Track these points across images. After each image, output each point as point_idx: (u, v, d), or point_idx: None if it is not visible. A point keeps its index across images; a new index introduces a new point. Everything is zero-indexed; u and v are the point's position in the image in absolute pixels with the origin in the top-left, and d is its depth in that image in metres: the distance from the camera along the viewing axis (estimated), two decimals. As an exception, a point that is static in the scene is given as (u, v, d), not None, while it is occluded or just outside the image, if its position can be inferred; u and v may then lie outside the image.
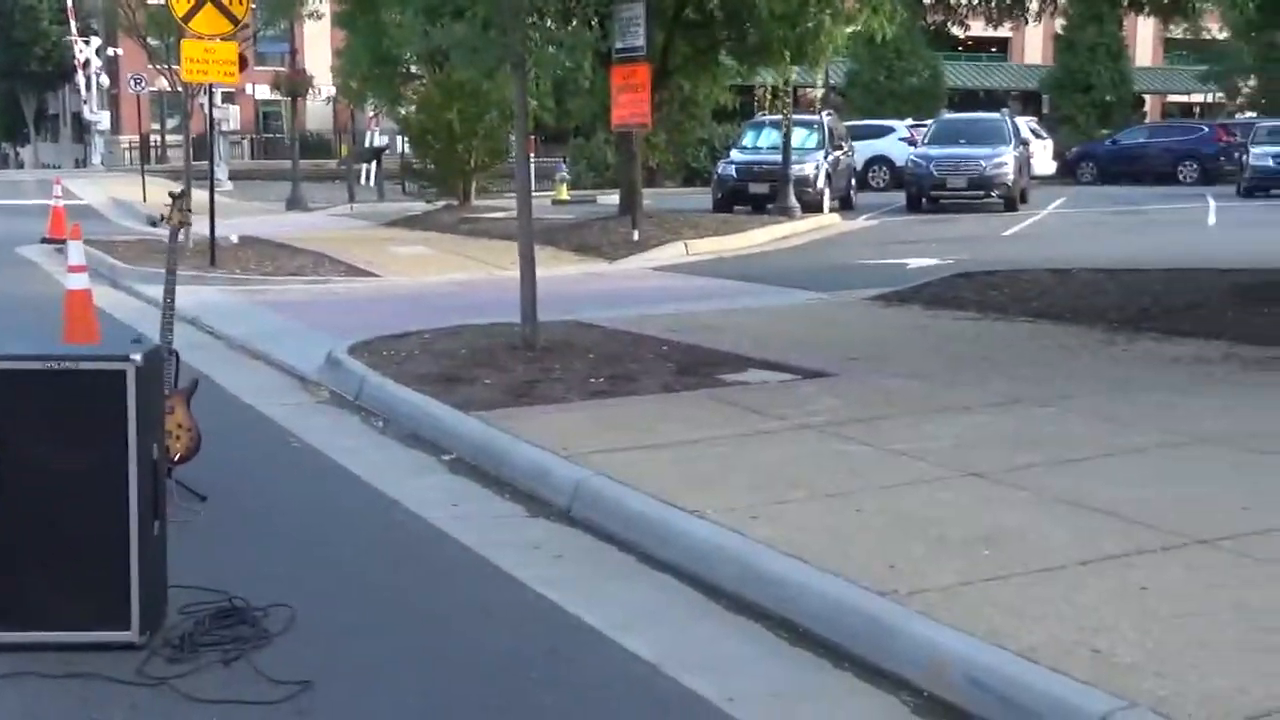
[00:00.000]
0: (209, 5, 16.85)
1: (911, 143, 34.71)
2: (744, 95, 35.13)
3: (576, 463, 6.50)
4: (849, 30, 22.06)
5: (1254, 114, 46.39)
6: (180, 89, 21.74)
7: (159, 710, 4.07)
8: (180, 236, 7.15)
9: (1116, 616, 4.29)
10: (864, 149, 35.20)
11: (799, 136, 26.66)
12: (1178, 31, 38.84)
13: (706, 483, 6.09)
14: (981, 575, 4.74)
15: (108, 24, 44.43)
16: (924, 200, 28.41)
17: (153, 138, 51.97)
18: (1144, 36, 58.58)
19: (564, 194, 32.53)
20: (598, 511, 5.99)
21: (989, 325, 11.33)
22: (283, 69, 38.80)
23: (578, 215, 25.05)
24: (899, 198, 30.19)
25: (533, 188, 12.34)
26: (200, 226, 15.99)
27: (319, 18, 31.60)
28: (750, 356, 9.60)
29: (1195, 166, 37.25)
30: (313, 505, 6.54)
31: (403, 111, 30.66)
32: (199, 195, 16.83)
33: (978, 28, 16.66)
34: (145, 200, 30.71)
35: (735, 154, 28.64)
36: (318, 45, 48.04)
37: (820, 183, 26.90)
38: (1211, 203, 27.66)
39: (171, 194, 6.94)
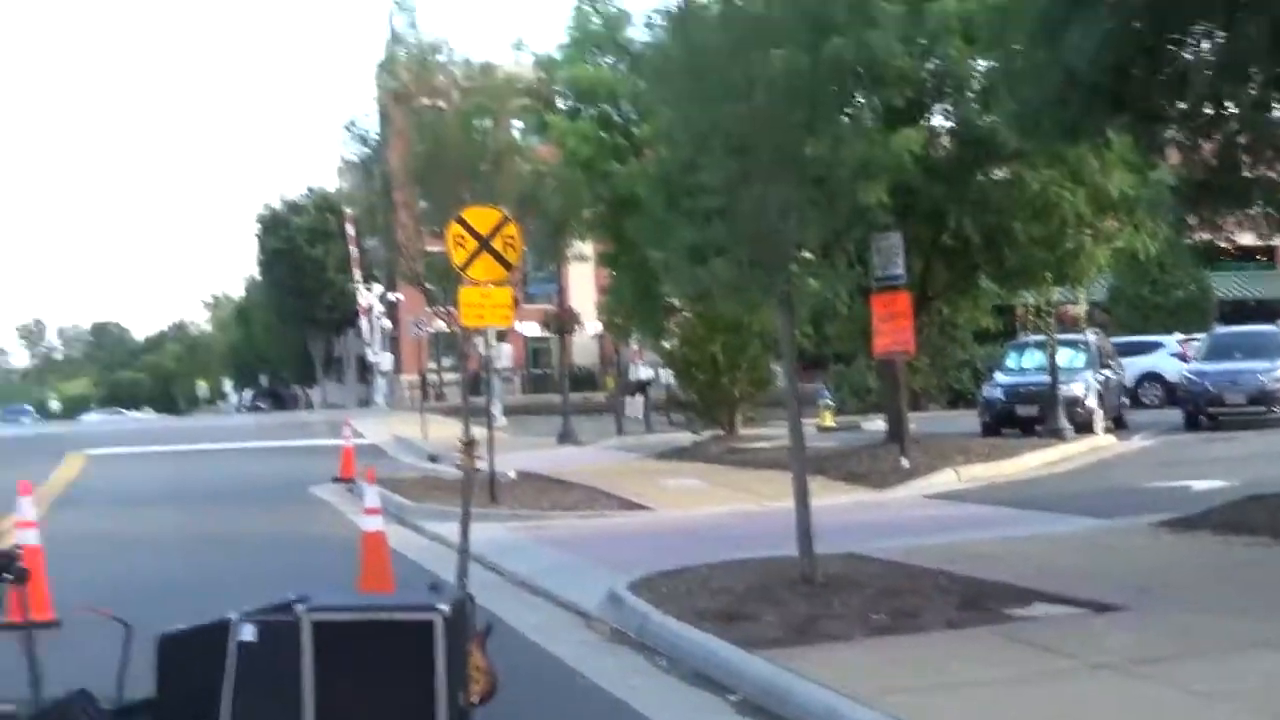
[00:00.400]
0: (485, 254, 17.89)
1: (1183, 358, 33.74)
2: (1005, 315, 34.89)
3: (868, 705, 6.44)
4: (1110, 248, 21.85)
5: None
6: (457, 331, 22.90)
7: None
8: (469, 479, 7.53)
9: None
10: (1133, 366, 34.38)
11: (1065, 356, 26.27)
12: None
13: (1002, 726, 5.95)
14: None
15: (389, 272, 47.26)
16: (1202, 418, 27.42)
17: (429, 376, 54.48)
18: None
19: (828, 420, 32.59)
20: (892, 756, 5.91)
21: (1287, 552, 10.80)
22: (550, 307, 40.46)
23: (843, 442, 25.08)
24: (1174, 415, 29.19)
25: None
26: (480, 462, 16.63)
27: (585, 260, 32.98)
28: (1034, 589, 9.37)
29: None
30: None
31: (666, 345, 31.43)
32: (477, 432, 17.57)
33: (1246, 238, 16.33)
34: (425, 437, 32.14)
35: (1000, 376, 28.35)
36: (583, 283, 49.96)
37: (1091, 402, 26.31)
38: None
39: (462, 440, 7.34)
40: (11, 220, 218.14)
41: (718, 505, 17.48)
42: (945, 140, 20.77)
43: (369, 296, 62.62)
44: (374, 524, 11.70)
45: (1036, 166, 19.61)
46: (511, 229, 17.94)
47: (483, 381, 24.86)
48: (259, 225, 76.54)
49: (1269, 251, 58.18)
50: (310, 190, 75.66)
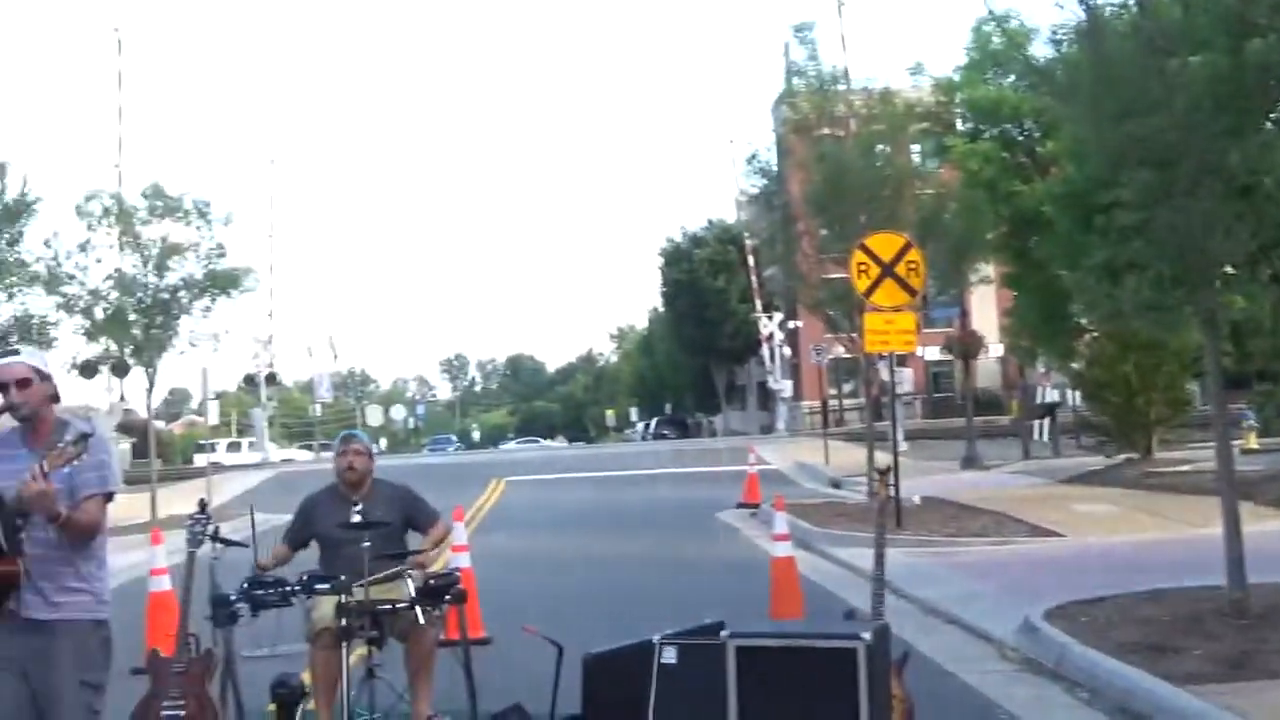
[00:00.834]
0: (888, 280, 17.87)
1: None
2: None
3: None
4: None
5: None
6: (860, 357, 22.91)
7: None
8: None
9: None
10: None
11: None
12: None
13: None
14: None
15: (789, 300, 47.80)
16: None
17: (829, 402, 54.63)
18: None
19: (1253, 442, 30.56)
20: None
21: None
22: (952, 330, 39.89)
23: (1270, 465, 23.46)
24: None
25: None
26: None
27: (988, 282, 32.33)
28: None
29: None
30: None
31: (1075, 366, 30.38)
32: (881, 457, 17.51)
33: None
34: (827, 462, 32.23)
35: None
36: (985, 306, 48.96)
37: None
38: None
39: (878, 469, 7.36)
40: (435, 262, 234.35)
41: (1134, 532, 16.71)
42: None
43: (770, 325, 63.52)
44: (783, 550, 11.88)
45: None
46: (914, 254, 17.87)
47: (885, 406, 24.71)
48: (661, 258, 78.96)
49: None
50: (710, 222, 77.59)
